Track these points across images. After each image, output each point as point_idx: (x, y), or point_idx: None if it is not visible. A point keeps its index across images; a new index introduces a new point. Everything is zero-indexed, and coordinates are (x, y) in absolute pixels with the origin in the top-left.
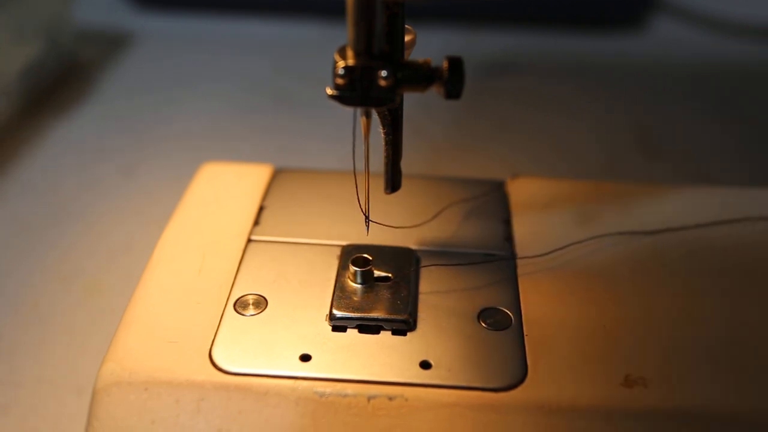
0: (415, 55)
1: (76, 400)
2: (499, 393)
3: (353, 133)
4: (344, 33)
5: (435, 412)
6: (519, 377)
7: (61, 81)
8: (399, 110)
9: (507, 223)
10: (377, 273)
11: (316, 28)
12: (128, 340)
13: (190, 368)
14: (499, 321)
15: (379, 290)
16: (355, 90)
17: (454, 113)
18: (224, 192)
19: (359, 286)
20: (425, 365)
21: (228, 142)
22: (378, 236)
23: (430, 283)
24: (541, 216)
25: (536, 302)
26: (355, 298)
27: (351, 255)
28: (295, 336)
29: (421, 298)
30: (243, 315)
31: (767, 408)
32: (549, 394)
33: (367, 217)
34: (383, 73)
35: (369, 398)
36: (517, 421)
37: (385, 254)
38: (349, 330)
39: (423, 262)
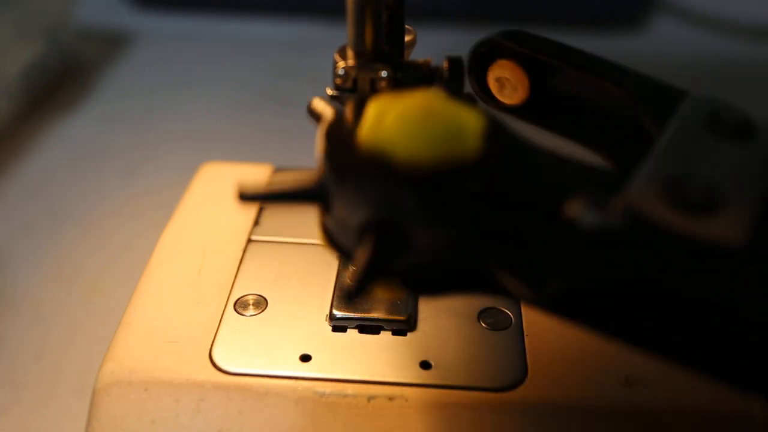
0: (415, 55)
1: (76, 400)
2: (499, 393)
3: None
4: (344, 33)
5: (435, 412)
6: (519, 377)
7: (61, 81)
8: None
9: None
10: None
11: (316, 28)
12: (128, 340)
13: (190, 368)
14: (499, 321)
15: (380, 290)
16: (355, 90)
17: None
18: (224, 192)
19: None
20: (425, 365)
21: (228, 142)
22: None
23: None
24: None
25: None
26: (355, 299)
27: None
28: (295, 336)
29: (421, 298)
30: (243, 315)
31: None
32: (549, 394)
33: None
34: (383, 73)
35: (369, 398)
36: (517, 421)
37: None
38: (349, 330)
39: None
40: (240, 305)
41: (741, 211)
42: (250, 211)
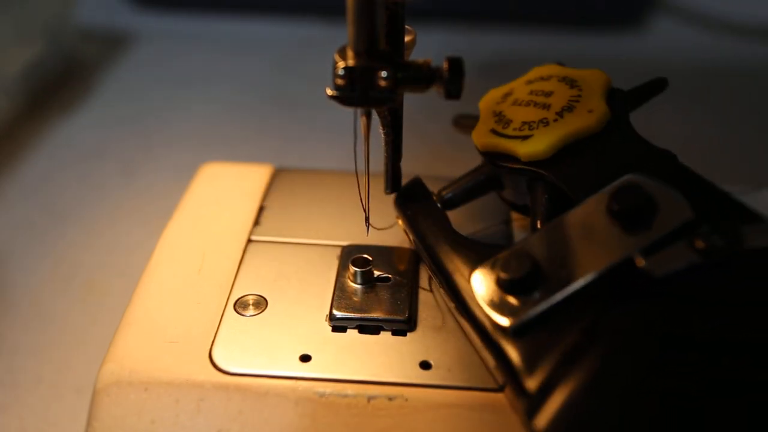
0: (415, 55)
1: (76, 400)
2: (499, 393)
3: (354, 134)
4: (344, 33)
5: (435, 412)
6: None
7: (61, 81)
8: (399, 110)
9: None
10: (377, 273)
11: (316, 28)
12: (128, 340)
13: (190, 368)
14: None
15: (379, 290)
16: (354, 90)
17: (455, 113)
18: (224, 192)
19: (359, 286)
20: (425, 365)
21: (228, 142)
22: (378, 236)
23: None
24: None
25: None
26: (355, 299)
27: (351, 255)
28: (295, 336)
29: (421, 298)
30: (243, 315)
31: None
32: None
33: (367, 218)
34: (383, 73)
35: (369, 398)
36: (517, 421)
37: (385, 254)
38: (349, 330)
39: (423, 263)
40: (240, 305)
41: None
42: (250, 211)
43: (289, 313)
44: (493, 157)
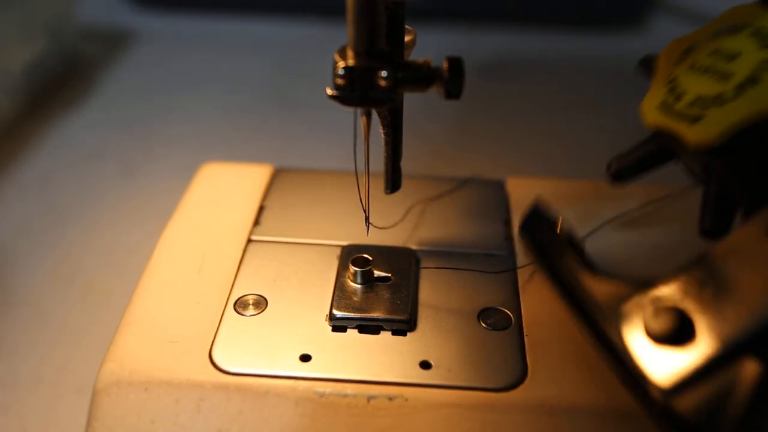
0: (415, 55)
1: (76, 400)
2: (499, 393)
3: (354, 134)
4: (344, 33)
5: (435, 412)
6: (519, 377)
7: (62, 80)
8: (399, 110)
9: (507, 223)
10: (377, 273)
11: (316, 28)
12: (128, 340)
13: (190, 368)
14: (499, 321)
15: (379, 290)
16: (355, 90)
17: (455, 113)
18: (224, 192)
19: (359, 286)
20: (425, 365)
21: (228, 142)
22: (378, 236)
23: (430, 283)
24: None
25: (536, 302)
26: (355, 299)
27: (351, 255)
28: (295, 336)
29: (421, 298)
30: (243, 315)
31: None
32: (549, 394)
33: (367, 218)
34: (383, 73)
35: (369, 398)
36: (517, 421)
37: (385, 254)
38: (349, 330)
39: (423, 263)
40: (240, 305)
41: None
42: (250, 211)
43: (289, 313)
44: (663, 135)
